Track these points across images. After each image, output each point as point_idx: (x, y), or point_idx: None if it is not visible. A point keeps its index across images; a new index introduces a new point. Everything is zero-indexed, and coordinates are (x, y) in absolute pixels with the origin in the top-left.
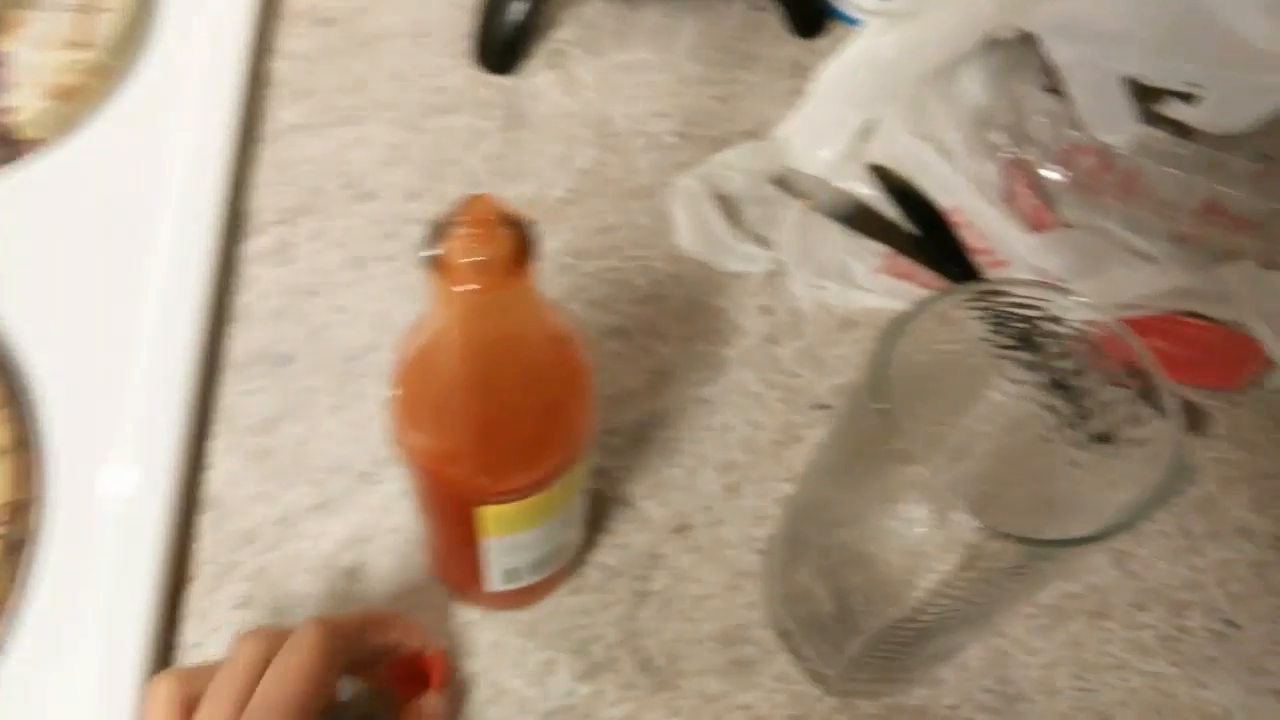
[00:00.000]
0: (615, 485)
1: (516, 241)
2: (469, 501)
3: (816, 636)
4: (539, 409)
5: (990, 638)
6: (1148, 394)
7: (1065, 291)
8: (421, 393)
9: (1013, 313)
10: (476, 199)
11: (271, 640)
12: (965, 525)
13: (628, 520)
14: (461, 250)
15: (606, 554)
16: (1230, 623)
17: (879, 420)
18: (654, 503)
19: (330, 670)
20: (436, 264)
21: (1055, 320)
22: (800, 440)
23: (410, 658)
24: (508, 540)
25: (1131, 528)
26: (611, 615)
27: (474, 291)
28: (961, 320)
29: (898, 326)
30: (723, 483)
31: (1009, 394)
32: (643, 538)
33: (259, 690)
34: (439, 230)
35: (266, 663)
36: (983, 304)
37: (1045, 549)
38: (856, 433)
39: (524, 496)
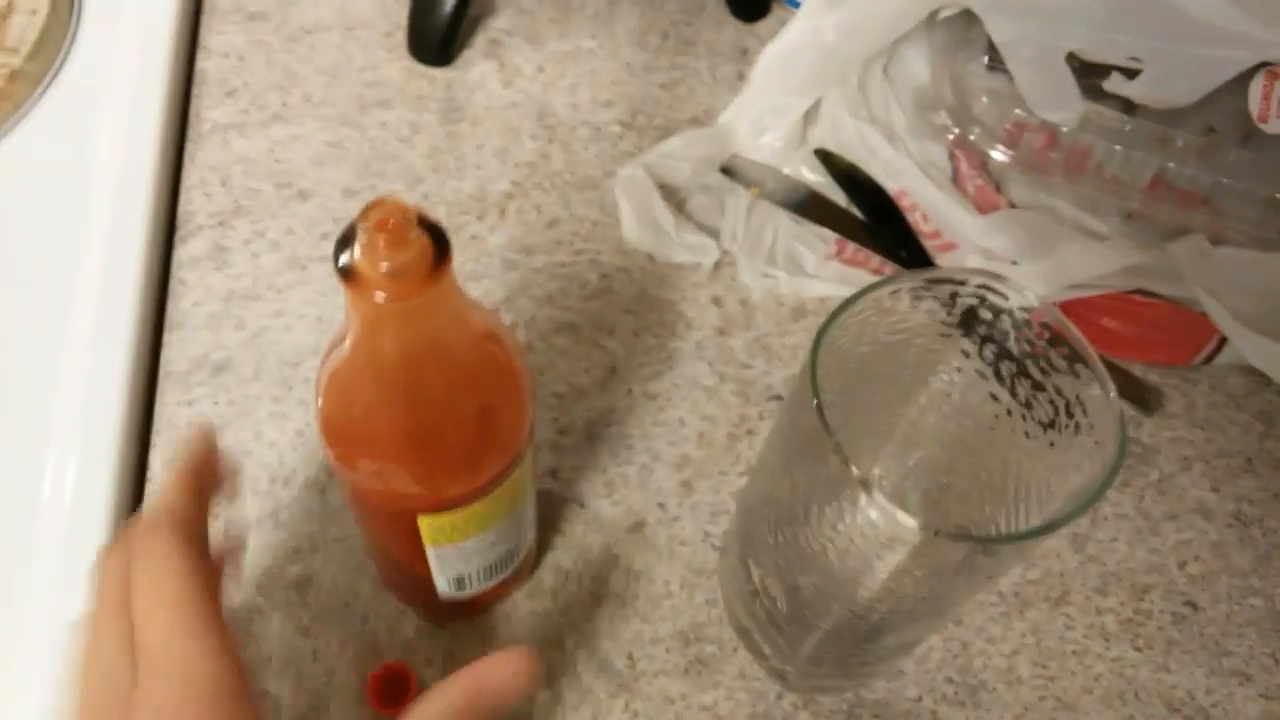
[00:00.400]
0: (568, 486)
1: (429, 245)
2: (405, 512)
3: (773, 634)
4: (471, 415)
5: (950, 628)
6: (1088, 378)
7: (1001, 278)
8: (347, 404)
9: (955, 299)
10: (383, 202)
11: (125, 549)
12: (908, 526)
13: (581, 521)
14: (371, 258)
15: (561, 556)
16: (1191, 604)
17: (817, 419)
18: (608, 502)
19: (197, 550)
20: (347, 273)
21: (997, 306)
22: (755, 433)
23: (388, 670)
24: (452, 549)
25: (1074, 520)
26: (567, 619)
27: (388, 300)
28: (904, 308)
29: (829, 323)
30: (677, 479)
31: (956, 381)
32: (597, 538)
33: (144, 608)
34: (348, 237)
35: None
36: (923, 292)
37: (992, 544)
38: (797, 431)
39: (464, 505)
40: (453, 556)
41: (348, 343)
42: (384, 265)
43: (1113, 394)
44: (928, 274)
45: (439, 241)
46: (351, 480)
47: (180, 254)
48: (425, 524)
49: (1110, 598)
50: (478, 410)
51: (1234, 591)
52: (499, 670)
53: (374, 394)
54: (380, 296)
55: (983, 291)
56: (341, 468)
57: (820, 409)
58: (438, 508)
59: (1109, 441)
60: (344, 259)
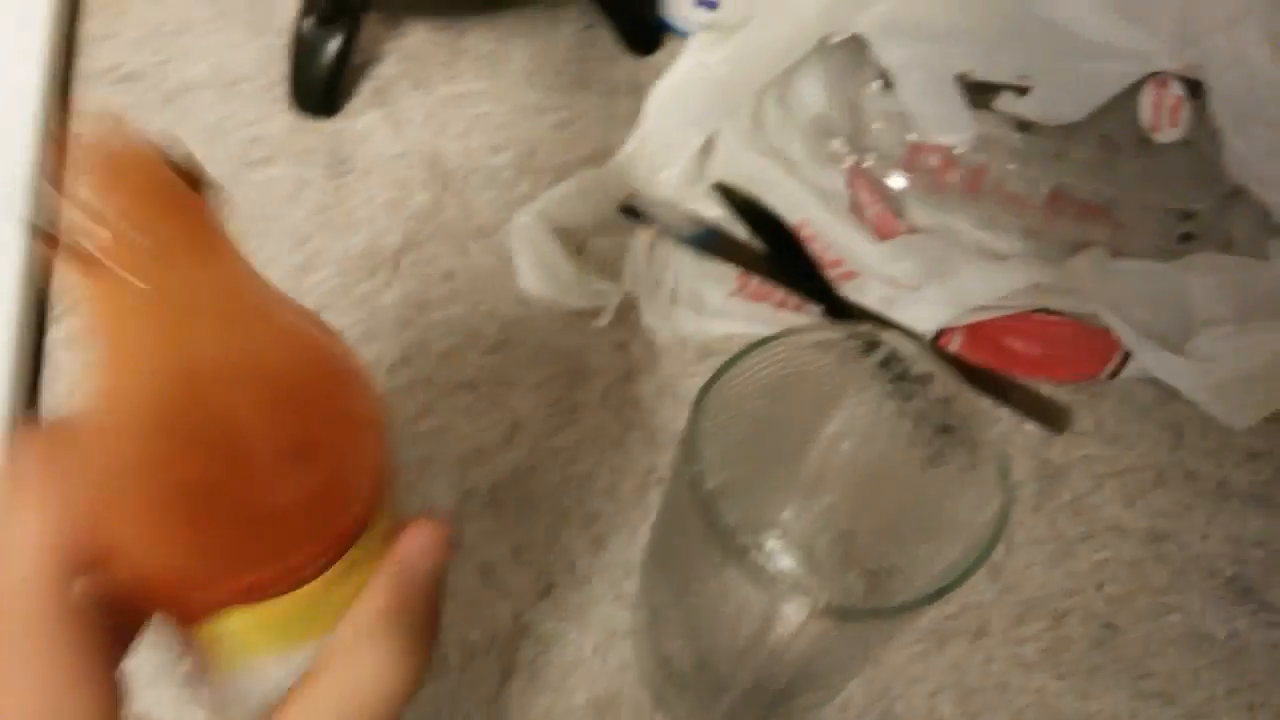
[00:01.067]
0: (472, 553)
1: (171, 189)
2: (188, 616)
3: (689, 696)
4: (283, 458)
5: (870, 669)
6: (979, 424)
7: (885, 328)
8: (94, 462)
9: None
10: (97, 130)
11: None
12: (792, 605)
13: (488, 588)
14: (84, 219)
15: (467, 629)
16: (1110, 626)
17: (696, 492)
18: (515, 566)
19: (63, 511)
20: (56, 246)
21: (887, 355)
22: (665, 481)
23: None
24: (260, 664)
25: (960, 585)
26: (476, 697)
27: (121, 283)
28: (798, 356)
29: (708, 389)
30: (587, 536)
31: (857, 423)
32: (505, 606)
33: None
34: (46, 193)
35: None
36: (807, 350)
37: (871, 617)
38: (683, 499)
39: (286, 591)
40: (257, 680)
41: (97, 362)
42: (107, 230)
43: (998, 450)
44: (807, 333)
45: (189, 180)
46: (114, 573)
47: (55, 334)
48: (216, 630)
49: (1029, 625)
50: (291, 450)
51: (1152, 610)
52: (413, 539)
53: (128, 439)
54: (113, 279)
55: (869, 344)
56: (95, 558)
57: (698, 481)
58: (232, 600)
59: (995, 495)
60: (44, 223)
